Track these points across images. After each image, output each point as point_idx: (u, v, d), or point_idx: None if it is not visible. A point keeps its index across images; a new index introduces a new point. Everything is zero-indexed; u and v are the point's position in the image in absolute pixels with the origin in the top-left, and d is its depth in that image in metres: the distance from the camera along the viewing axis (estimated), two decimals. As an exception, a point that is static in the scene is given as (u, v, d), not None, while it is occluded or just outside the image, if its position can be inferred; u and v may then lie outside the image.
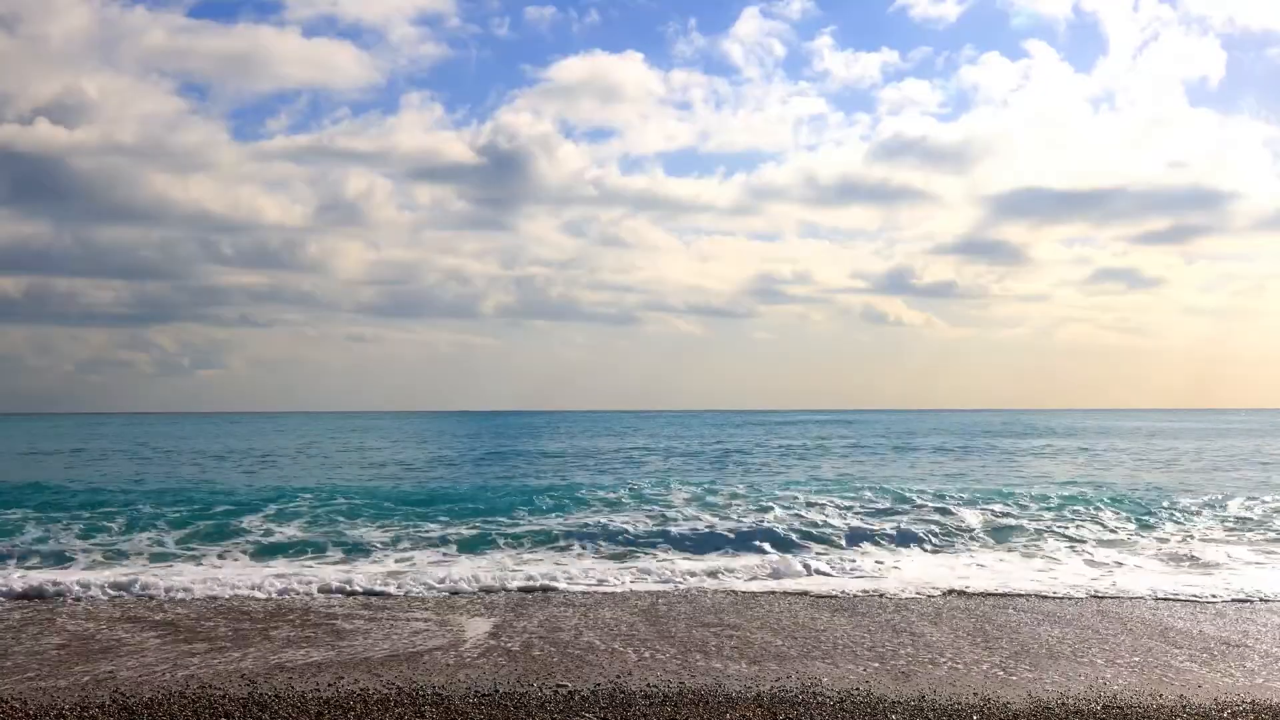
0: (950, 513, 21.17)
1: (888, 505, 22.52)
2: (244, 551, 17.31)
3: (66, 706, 8.23)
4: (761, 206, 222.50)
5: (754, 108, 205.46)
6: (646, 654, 10.15)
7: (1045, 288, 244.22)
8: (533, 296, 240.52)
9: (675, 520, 20.02)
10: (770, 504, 22.38)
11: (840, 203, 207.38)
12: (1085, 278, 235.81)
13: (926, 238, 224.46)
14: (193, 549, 17.50)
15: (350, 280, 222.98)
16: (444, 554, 17.05)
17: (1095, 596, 13.52)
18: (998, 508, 22.07)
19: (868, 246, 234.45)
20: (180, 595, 13.30)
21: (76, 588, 13.52)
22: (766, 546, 17.66)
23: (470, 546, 17.70)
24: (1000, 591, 13.81)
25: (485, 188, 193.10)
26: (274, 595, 13.44)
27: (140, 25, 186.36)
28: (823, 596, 13.52)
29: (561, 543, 18.07)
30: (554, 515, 20.99)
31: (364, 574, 14.84)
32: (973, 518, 20.57)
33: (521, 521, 20.11)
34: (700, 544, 17.98)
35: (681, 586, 14.23)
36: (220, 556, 16.91)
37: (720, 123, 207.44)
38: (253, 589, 13.64)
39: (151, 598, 13.23)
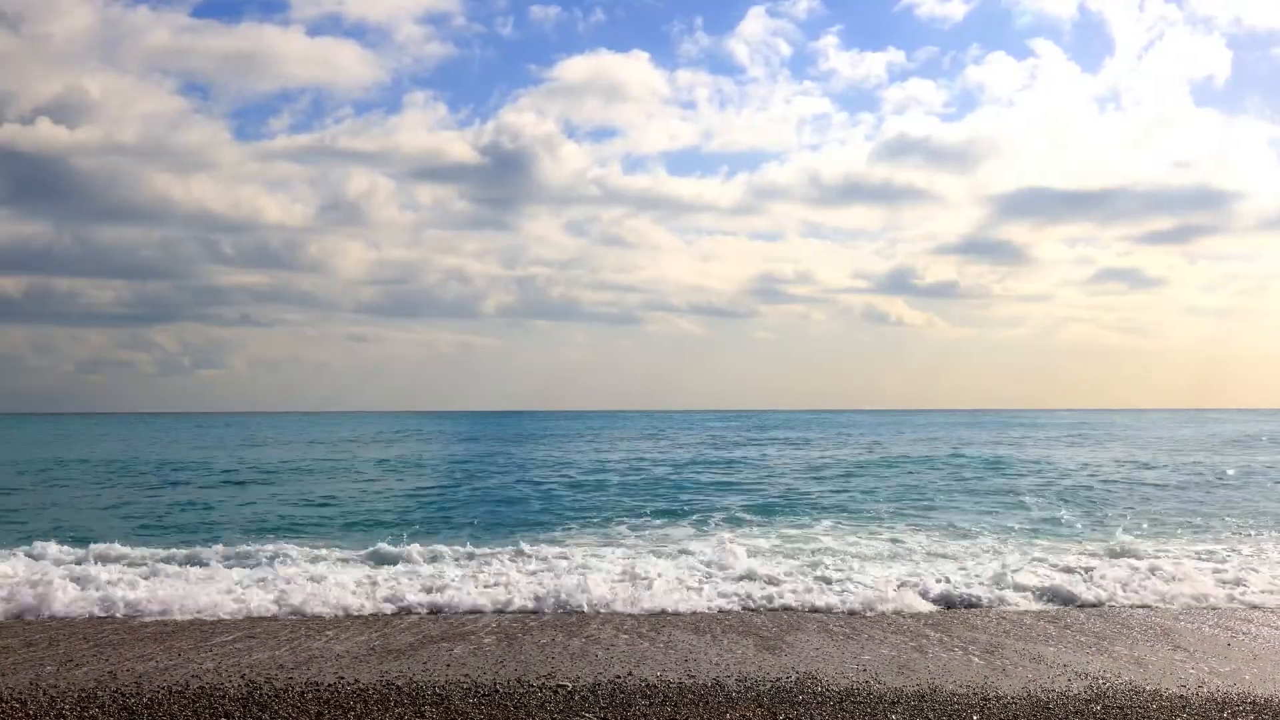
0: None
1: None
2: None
3: (66, 706, 8.23)
4: (764, 206, 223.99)
5: (758, 107, 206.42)
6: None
7: (1047, 288, 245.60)
8: (534, 296, 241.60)
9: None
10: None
11: (843, 202, 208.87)
12: (1087, 278, 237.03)
13: (929, 238, 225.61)
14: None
15: (351, 280, 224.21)
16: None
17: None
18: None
19: (870, 246, 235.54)
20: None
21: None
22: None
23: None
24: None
25: (487, 187, 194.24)
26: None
27: (143, 25, 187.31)
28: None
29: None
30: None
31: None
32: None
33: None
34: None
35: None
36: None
37: (724, 122, 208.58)
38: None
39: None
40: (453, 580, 14.02)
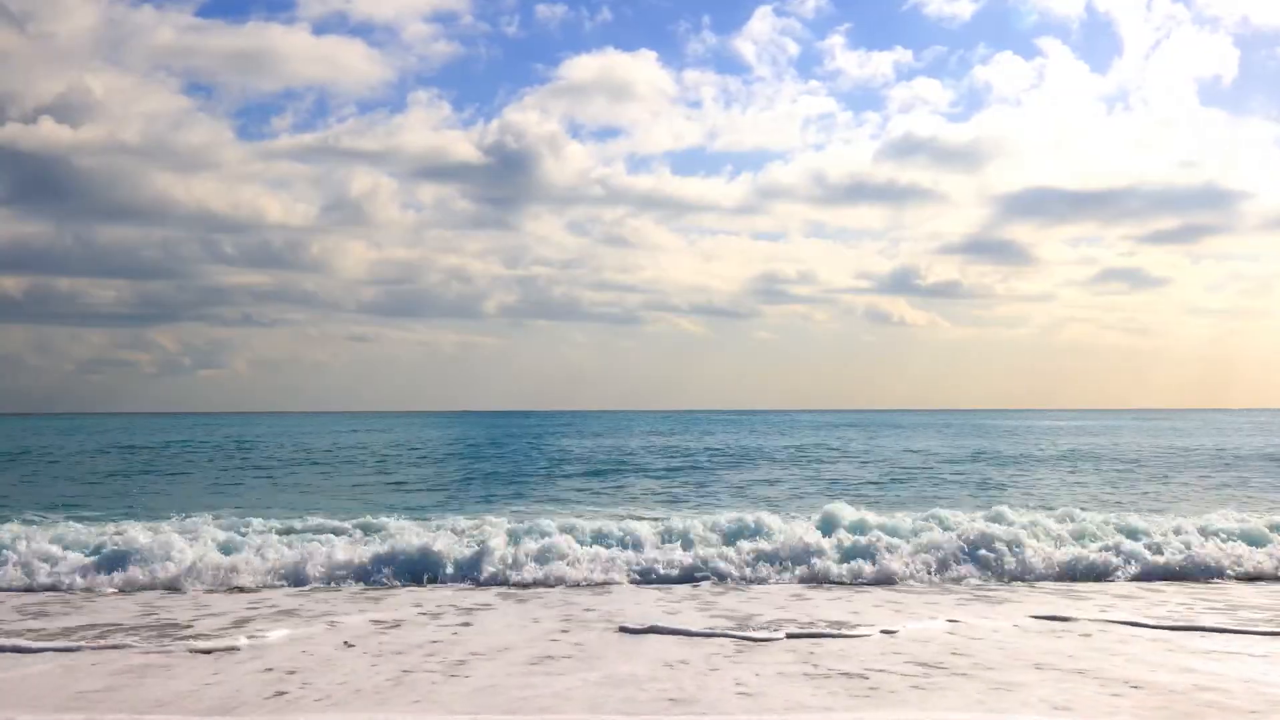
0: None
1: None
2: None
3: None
4: (767, 206, 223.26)
5: (763, 107, 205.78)
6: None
7: (1050, 287, 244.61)
8: (535, 296, 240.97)
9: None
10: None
11: (847, 202, 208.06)
12: (1091, 277, 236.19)
13: (933, 237, 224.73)
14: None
15: (353, 280, 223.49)
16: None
17: None
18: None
19: (873, 246, 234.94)
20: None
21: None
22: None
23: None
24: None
25: (490, 187, 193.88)
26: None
27: (148, 24, 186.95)
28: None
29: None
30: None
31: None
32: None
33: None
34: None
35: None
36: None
37: (729, 121, 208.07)
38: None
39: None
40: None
